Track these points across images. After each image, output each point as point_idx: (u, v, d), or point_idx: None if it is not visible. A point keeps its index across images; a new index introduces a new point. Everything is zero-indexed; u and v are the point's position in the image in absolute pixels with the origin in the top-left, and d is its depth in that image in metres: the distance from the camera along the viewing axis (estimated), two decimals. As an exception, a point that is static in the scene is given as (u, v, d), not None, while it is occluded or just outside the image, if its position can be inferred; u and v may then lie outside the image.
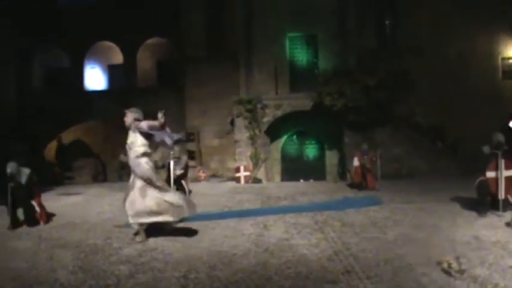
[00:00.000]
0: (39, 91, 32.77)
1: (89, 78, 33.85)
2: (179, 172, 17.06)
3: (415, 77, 23.57)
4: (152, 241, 9.78)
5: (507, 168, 11.41)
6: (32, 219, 12.79)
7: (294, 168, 26.42)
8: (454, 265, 6.99)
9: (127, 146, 10.17)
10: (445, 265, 7.06)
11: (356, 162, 18.83)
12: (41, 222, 12.73)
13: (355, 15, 25.75)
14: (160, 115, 9.71)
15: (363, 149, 19.06)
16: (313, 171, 26.00)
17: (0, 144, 23.37)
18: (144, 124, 9.98)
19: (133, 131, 10.10)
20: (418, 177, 22.26)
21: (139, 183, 9.79)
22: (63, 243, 10.05)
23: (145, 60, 33.21)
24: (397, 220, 11.01)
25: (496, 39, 27.07)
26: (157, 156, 27.68)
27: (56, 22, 31.22)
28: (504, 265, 7.21)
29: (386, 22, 27.43)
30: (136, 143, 10.01)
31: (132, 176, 10.04)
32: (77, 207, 15.94)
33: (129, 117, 10.34)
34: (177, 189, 16.65)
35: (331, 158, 26.29)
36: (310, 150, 27.25)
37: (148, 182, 9.73)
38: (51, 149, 31.71)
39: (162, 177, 20.85)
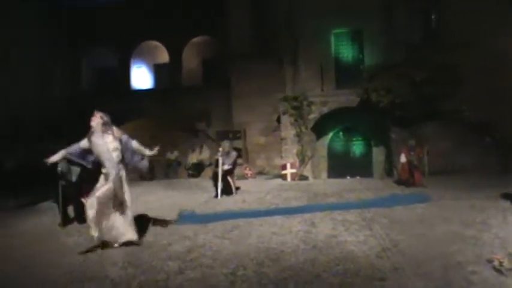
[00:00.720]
0: (87, 91, 33.22)
1: (136, 78, 34.20)
2: (227, 167, 17.16)
3: (463, 72, 23.26)
4: (201, 238, 9.87)
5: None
6: (81, 217, 12.99)
7: (340, 165, 26.34)
8: (506, 263, 6.89)
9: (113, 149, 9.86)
10: (496, 263, 6.96)
11: (403, 158, 18.69)
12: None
13: (401, 9, 25.52)
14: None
15: (409, 145, 18.92)
16: (359, 168, 25.90)
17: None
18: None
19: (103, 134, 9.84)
20: (467, 173, 21.95)
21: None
22: (113, 240, 10.17)
23: (191, 59, 33.44)
24: (446, 217, 10.86)
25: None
26: (204, 155, 28.09)
27: (104, 22, 31.62)
28: (557, 263, 7.08)
29: (433, 16, 27.10)
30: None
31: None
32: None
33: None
34: (224, 185, 16.82)
35: (378, 154, 26.15)
36: (357, 147, 27.14)
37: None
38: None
39: (209, 174, 21.16)
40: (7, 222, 13.82)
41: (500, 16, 24.98)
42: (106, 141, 9.73)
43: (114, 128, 10.04)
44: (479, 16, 24.79)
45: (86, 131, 9.50)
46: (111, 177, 9.63)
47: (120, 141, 9.92)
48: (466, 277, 6.69)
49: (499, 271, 6.76)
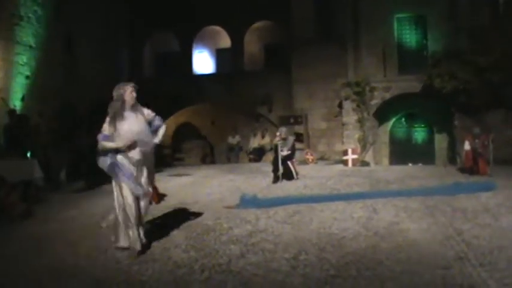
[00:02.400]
0: (150, 76, 33.61)
1: (198, 63, 34.42)
2: (286, 153, 17.16)
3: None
4: (262, 223, 9.94)
5: None
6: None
7: (402, 152, 26.09)
8: None
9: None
10: None
11: (467, 146, 18.38)
12: (153, 203, 13.13)
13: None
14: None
15: (474, 132, 18.58)
16: (421, 154, 25.60)
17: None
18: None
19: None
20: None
21: None
22: (175, 223, 10.32)
23: (252, 44, 33.48)
24: (511, 207, 10.67)
25: None
26: (265, 139, 28.14)
27: (166, 7, 31.87)
28: None
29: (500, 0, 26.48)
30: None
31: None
32: (186, 188, 16.31)
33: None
34: (284, 170, 16.85)
35: (441, 141, 25.78)
36: (419, 134, 26.82)
37: None
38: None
39: (270, 159, 21.23)
40: (79, 203, 14.10)
41: None
42: (140, 120, 8.54)
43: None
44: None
45: (158, 113, 9.10)
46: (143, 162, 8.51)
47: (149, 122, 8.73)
48: (533, 268, 6.58)
49: None
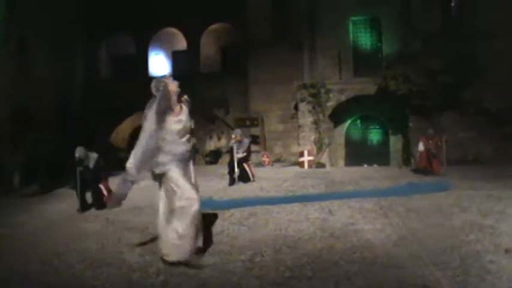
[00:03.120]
0: (106, 78, 33.33)
1: (154, 65, 34.24)
2: (242, 155, 17.20)
3: (483, 61, 23.10)
4: (218, 225, 9.92)
5: None
6: (99, 203, 13.14)
7: (357, 153, 26.35)
8: (524, 252, 6.90)
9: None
10: (513, 252, 6.97)
11: (421, 147, 18.69)
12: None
13: (419, -3, 25.37)
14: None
15: (428, 133, 18.88)
16: (377, 156, 25.90)
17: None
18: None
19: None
20: (485, 163, 21.90)
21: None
22: (130, 227, 10.28)
23: (208, 46, 33.40)
24: (464, 207, 10.84)
25: None
26: (221, 142, 28.11)
27: (122, 9, 31.64)
28: None
29: (452, 3, 26.87)
30: None
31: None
32: (142, 192, 16.13)
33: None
34: (240, 172, 16.87)
35: (396, 142, 26.09)
36: (374, 135, 27.10)
37: None
38: (118, 135, 32.23)
39: (226, 161, 21.25)
40: (31, 207, 13.93)
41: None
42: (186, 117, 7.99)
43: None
44: (501, 4, 24.56)
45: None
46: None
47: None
48: (483, 266, 6.69)
49: (517, 261, 6.76)
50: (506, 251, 7.15)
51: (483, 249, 7.42)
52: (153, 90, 8.07)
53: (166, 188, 7.79)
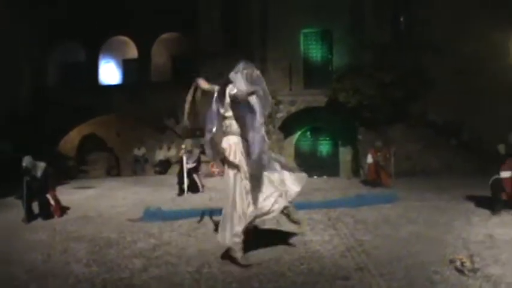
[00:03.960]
0: (55, 85, 32.88)
1: (104, 73, 33.93)
2: (191, 165, 17.14)
3: (431, 74, 23.49)
4: (166, 236, 9.88)
5: (522, 168, 11.37)
6: (46, 213, 12.92)
7: (307, 164, 26.30)
8: (467, 263, 6.98)
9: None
10: (458, 263, 7.05)
11: (370, 159, 18.86)
12: (55, 216, 12.87)
13: (370, 11, 25.65)
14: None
15: (376, 146, 19.06)
16: (326, 167, 26.00)
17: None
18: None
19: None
20: (433, 174, 22.19)
21: None
22: (77, 237, 10.14)
23: (160, 55, 33.23)
24: (411, 218, 10.99)
25: (512, 36, 26.95)
26: (171, 152, 27.93)
27: (72, 17, 31.30)
28: (517, 264, 7.19)
29: (402, 18, 27.28)
30: None
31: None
32: (91, 201, 16.06)
33: None
34: (190, 183, 16.80)
35: (345, 154, 26.28)
36: (324, 147, 27.25)
37: None
38: (66, 143, 31.80)
39: (175, 171, 21.14)
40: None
41: (469, 19, 25.24)
42: None
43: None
44: (449, 19, 25.02)
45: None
46: None
47: None
48: (428, 277, 6.77)
49: (460, 271, 6.85)
50: (451, 261, 7.24)
51: (428, 260, 7.51)
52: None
53: None
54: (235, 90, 7.98)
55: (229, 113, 8.09)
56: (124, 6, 31.15)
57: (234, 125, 8.07)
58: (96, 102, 29.90)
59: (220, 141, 8.05)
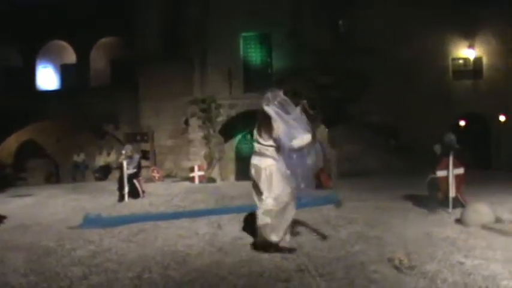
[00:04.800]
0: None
1: (42, 78, 33.40)
2: (132, 171, 16.97)
3: (369, 76, 23.85)
4: (106, 242, 9.74)
5: (457, 167, 11.64)
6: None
7: (248, 168, 26.46)
8: (405, 261, 7.09)
9: None
10: (396, 262, 7.16)
11: (310, 160, 18.94)
12: (-8, 225, 12.62)
13: (309, 14, 25.87)
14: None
15: (316, 147, 19.19)
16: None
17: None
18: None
19: None
20: (372, 175, 22.53)
21: None
22: (14, 246, 9.92)
23: (98, 60, 32.92)
24: (351, 218, 11.12)
25: (447, 39, 27.60)
26: (111, 158, 27.70)
27: (8, 21, 30.72)
28: (453, 260, 7.32)
29: (340, 22, 27.62)
30: None
31: None
32: (29, 209, 15.76)
33: None
34: (130, 188, 16.65)
35: (286, 157, 26.42)
36: (264, 150, 27.35)
37: None
38: (3, 150, 31.20)
39: (115, 177, 20.96)
40: None
41: (406, 24, 25.76)
42: None
43: None
44: (387, 23, 25.48)
45: None
46: None
47: None
48: (367, 276, 6.84)
49: (398, 269, 6.95)
50: (389, 260, 7.35)
51: (367, 260, 7.59)
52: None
53: None
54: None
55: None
56: (62, 10, 30.72)
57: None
58: (33, 108, 29.45)
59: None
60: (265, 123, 8.62)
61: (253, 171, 8.83)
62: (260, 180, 8.64)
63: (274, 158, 8.61)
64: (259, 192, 8.68)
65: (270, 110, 8.65)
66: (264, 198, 8.48)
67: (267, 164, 8.62)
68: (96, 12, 30.43)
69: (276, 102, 8.83)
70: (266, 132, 8.60)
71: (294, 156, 8.60)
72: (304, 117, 8.77)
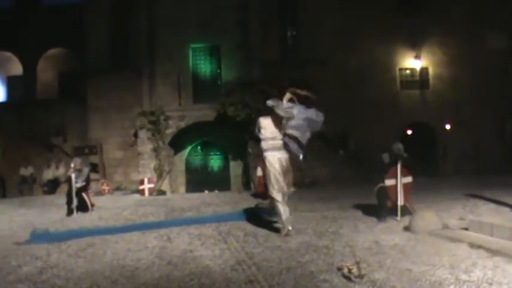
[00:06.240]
0: None
1: (-14, 90, 32.84)
2: (80, 184, 16.73)
3: (318, 87, 24.00)
4: (54, 258, 9.59)
5: (405, 175, 11.78)
6: None
7: (198, 180, 26.43)
8: (354, 270, 7.12)
9: None
10: (345, 270, 7.18)
11: (259, 172, 18.96)
12: None
13: (258, 26, 26.01)
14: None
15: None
16: (217, 182, 26.10)
17: None
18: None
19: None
20: (322, 185, 22.68)
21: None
22: None
23: (46, 72, 32.51)
24: (300, 228, 11.14)
25: (394, 50, 28.01)
26: (60, 171, 27.28)
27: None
28: (401, 268, 7.40)
29: (289, 33, 27.83)
30: None
31: None
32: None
33: None
34: (79, 202, 16.43)
35: (236, 168, 26.47)
36: (215, 161, 27.38)
37: None
38: None
39: (64, 190, 20.66)
40: None
41: (354, 34, 26.10)
42: None
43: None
44: (334, 34, 25.77)
45: None
46: None
47: None
48: (317, 286, 6.86)
49: (348, 278, 6.98)
50: (339, 269, 7.38)
51: (317, 269, 7.62)
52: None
53: None
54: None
55: None
56: (8, 20, 30.27)
57: None
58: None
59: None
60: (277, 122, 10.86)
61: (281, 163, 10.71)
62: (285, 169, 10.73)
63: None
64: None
65: (280, 111, 10.85)
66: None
67: (286, 156, 10.78)
68: (44, 23, 30.07)
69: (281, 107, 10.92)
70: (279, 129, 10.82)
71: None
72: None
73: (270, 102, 11.17)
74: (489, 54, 27.71)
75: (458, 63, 28.16)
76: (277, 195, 10.45)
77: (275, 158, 10.63)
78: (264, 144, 10.99)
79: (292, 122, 10.72)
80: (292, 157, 10.91)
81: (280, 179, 10.54)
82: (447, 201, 14.47)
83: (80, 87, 29.44)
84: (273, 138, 10.82)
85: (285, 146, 10.68)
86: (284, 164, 10.65)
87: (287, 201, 10.61)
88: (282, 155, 10.67)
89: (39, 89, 32.00)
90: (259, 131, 11.10)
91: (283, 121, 10.78)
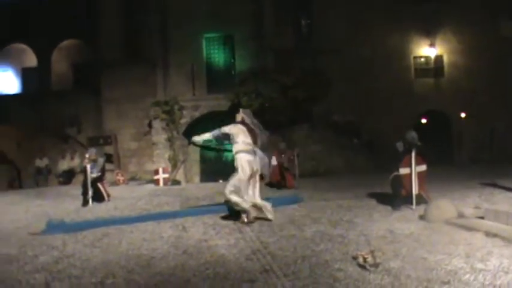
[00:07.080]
0: None
1: (2, 82, 32.95)
2: (96, 175, 16.77)
3: (332, 76, 23.97)
4: (70, 248, 9.61)
5: (419, 164, 11.74)
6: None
7: (212, 169, 26.40)
8: (369, 259, 7.11)
9: None
10: (360, 259, 7.17)
11: (274, 161, 18.92)
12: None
13: (272, 15, 25.95)
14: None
15: (280, 148, 19.23)
16: (231, 171, 25.95)
17: None
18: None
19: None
20: (336, 174, 22.62)
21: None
22: None
23: (60, 63, 32.58)
24: (315, 218, 11.13)
25: (408, 38, 27.89)
26: (74, 162, 27.38)
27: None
28: (416, 257, 7.38)
29: (303, 22, 27.75)
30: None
31: None
32: None
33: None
34: (94, 192, 16.48)
35: (250, 157, 26.43)
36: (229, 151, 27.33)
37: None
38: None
39: (79, 181, 20.74)
40: None
41: (368, 23, 25.98)
42: None
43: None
44: (348, 22, 25.67)
45: None
46: None
47: None
48: (332, 274, 6.85)
49: (363, 267, 6.97)
50: (354, 258, 7.37)
51: (332, 258, 7.61)
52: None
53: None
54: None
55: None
56: (21, 12, 30.33)
57: None
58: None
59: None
60: (253, 132, 11.66)
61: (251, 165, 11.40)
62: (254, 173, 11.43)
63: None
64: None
65: (251, 125, 11.81)
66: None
67: (257, 161, 11.59)
68: (57, 15, 30.10)
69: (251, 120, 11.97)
70: (253, 137, 11.60)
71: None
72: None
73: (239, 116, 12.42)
74: (504, 42, 27.53)
75: (473, 51, 27.99)
76: (229, 195, 11.30)
77: (246, 161, 11.35)
78: (236, 147, 11.67)
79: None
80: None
81: (244, 184, 11.31)
82: (462, 189, 14.42)
83: (94, 78, 29.49)
84: (246, 144, 11.53)
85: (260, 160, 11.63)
86: (254, 168, 11.41)
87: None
88: (254, 159, 11.46)
89: (54, 80, 32.09)
90: (227, 136, 12.22)
91: (257, 131, 11.84)
